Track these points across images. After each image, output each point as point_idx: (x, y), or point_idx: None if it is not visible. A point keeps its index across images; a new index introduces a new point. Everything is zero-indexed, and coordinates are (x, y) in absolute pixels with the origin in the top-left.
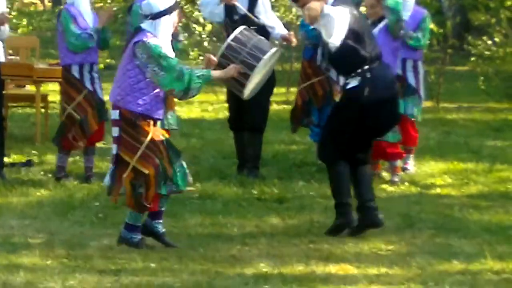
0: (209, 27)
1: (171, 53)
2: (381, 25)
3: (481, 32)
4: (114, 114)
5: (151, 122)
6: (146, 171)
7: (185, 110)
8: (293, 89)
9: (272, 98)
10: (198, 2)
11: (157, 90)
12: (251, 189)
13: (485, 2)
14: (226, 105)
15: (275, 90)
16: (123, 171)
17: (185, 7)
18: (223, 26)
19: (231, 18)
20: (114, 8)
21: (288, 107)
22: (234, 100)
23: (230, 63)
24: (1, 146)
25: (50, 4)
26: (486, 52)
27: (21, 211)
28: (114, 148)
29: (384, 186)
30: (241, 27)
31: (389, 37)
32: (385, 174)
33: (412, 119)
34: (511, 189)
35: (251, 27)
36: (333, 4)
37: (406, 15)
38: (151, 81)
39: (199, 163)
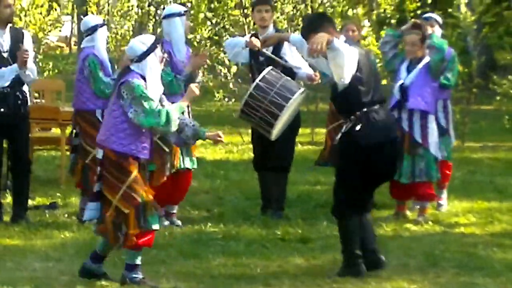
0: (234, 68)
1: (157, 92)
2: (420, 65)
3: (507, 71)
4: (99, 153)
5: (135, 162)
6: (126, 211)
7: (210, 152)
8: (318, 130)
9: (297, 139)
10: (223, 44)
11: (141, 130)
12: (275, 229)
13: (510, 41)
14: (251, 146)
15: (300, 130)
16: (106, 210)
17: (211, 48)
18: (249, 67)
19: (257, 59)
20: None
21: (313, 148)
22: (259, 140)
23: (258, 104)
24: (26, 189)
25: (75, 47)
26: (511, 91)
27: (45, 253)
28: (97, 186)
29: (408, 225)
30: (269, 68)
31: (429, 77)
32: (409, 213)
33: (445, 159)
34: None
35: (277, 68)
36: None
37: None
38: (132, 121)
39: (223, 204)
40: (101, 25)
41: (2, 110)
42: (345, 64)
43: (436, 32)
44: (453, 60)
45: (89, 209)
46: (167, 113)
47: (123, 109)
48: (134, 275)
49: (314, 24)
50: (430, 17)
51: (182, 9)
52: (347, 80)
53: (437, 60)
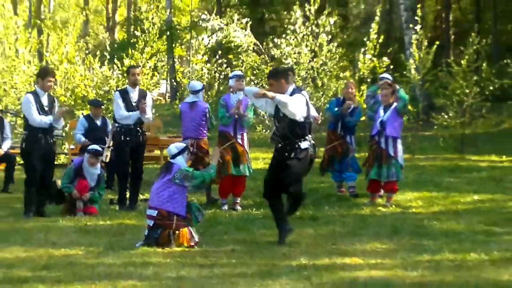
0: None
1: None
2: (392, 107)
3: (441, 110)
4: (153, 212)
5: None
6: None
7: (254, 164)
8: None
9: None
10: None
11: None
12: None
13: (443, 92)
14: None
15: None
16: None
17: None
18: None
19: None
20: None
21: (318, 160)
22: None
23: None
24: (138, 188)
25: (169, 100)
26: (444, 123)
27: None
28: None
29: (379, 208)
30: None
31: (397, 115)
32: (380, 201)
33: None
34: (460, 208)
35: None
36: (292, 92)
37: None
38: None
39: (261, 197)
40: (202, 88)
41: (128, 139)
42: (294, 109)
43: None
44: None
45: None
46: (204, 177)
47: (176, 185)
48: None
49: (274, 73)
50: (384, 77)
51: (239, 73)
52: (300, 117)
53: (401, 106)
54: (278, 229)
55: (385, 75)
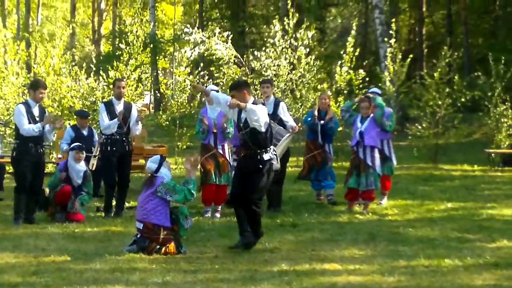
0: None
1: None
2: (369, 118)
3: (415, 121)
4: (139, 225)
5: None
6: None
7: None
8: (300, 158)
9: (288, 164)
10: None
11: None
12: (276, 219)
13: (416, 103)
14: None
15: (290, 159)
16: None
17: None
18: None
19: None
20: None
21: (298, 169)
22: None
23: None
24: (124, 196)
25: (153, 110)
26: (418, 133)
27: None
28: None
29: (357, 215)
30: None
31: (374, 124)
32: (357, 208)
33: (388, 174)
34: (434, 216)
35: (275, 121)
36: (253, 103)
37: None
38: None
39: None
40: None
41: (114, 148)
42: (259, 118)
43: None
44: (392, 115)
45: None
46: (188, 191)
47: (159, 198)
48: None
49: (237, 85)
50: (374, 91)
51: (215, 88)
52: (263, 128)
53: (379, 114)
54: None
55: (374, 89)
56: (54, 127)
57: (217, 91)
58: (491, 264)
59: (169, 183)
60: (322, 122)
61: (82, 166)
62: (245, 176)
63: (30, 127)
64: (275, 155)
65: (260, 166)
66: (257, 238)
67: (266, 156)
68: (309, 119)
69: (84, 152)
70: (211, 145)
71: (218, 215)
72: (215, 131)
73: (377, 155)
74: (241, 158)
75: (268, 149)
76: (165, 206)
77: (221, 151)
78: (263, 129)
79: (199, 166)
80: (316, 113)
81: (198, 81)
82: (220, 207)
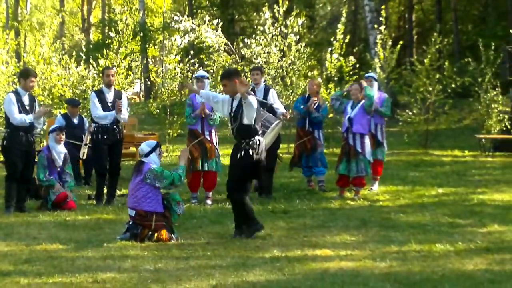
0: None
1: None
2: (359, 105)
3: (405, 107)
4: (131, 212)
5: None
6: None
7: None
8: (292, 145)
9: (279, 151)
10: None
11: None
12: (267, 206)
13: (407, 89)
14: None
15: (281, 145)
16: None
17: None
18: None
19: None
20: None
21: (289, 156)
22: None
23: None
24: (116, 184)
25: (143, 98)
26: (408, 119)
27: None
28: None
29: (348, 201)
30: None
31: (364, 112)
32: (348, 194)
33: (380, 160)
34: (425, 201)
35: (265, 108)
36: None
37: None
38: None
39: None
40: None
41: (105, 137)
42: (252, 111)
43: (373, 86)
44: (388, 101)
45: None
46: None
47: (149, 185)
48: None
49: (228, 74)
50: (369, 75)
51: (205, 74)
52: (251, 122)
53: (368, 104)
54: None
55: (370, 74)
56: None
57: (207, 77)
58: (482, 248)
59: (156, 170)
60: (304, 108)
61: (62, 148)
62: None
63: (22, 117)
64: (258, 145)
65: (238, 155)
66: (254, 228)
67: (247, 147)
68: (302, 106)
69: (64, 133)
70: (198, 131)
71: (209, 201)
72: (203, 116)
73: (367, 141)
74: (233, 148)
75: (252, 139)
76: (156, 192)
77: (208, 137)
78: (250, 122)
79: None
80: (311, 104)
81: (188, 68)
82: (210, 193)
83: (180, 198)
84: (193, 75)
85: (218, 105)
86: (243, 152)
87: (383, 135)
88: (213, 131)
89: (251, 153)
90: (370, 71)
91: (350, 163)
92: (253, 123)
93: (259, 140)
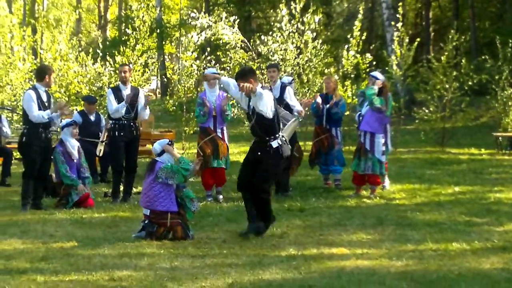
0: None
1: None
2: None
3: (422, 105)
4: (146, 211)
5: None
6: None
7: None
8: (308, 143)
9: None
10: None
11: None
12: (283, 203)
13: (424, 87)
14: None
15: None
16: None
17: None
18: None
19: None
20: None
21: (306, 154)
22: None
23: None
24: (132, 181)
25: (160, 95)
26: (425, 117)
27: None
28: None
29: (364, 199)
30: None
31: (373, 111)
32: (364, 193)
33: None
34: (441, 200)
35: (281, 105)
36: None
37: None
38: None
39: None
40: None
41: (122, 134)
42: (266, 103)
43: (376, 85)
44: (389, 100)
45: None
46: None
47: (161, 184)
48: None
49: (243, 73)
50: (371, 75)
51: (214, 71)
52: (271, 115)
53: (369, 103)
54: (248, 221)
55: (373, 73)
56: (63, 113)
57: (218, 74)
58: (499, 247)
59: (166, 166)
60: (327, 106)
61: (75, 141)
62: (254, 164)
63: (40, 113)
64: (285, 141)
65: (269, 153)
66: (268, 224)
67: (274, 143)
68: (314, 105)
69: (77, 127)
70: (210, 129)
71: (221, 196)
72: (214, 114)
73: (377, 140)
74: (252, 145)
75: (277, 135)
76: (169, 191)
77: (220, 135)
78: (270, 116)
79: (198, 150)
80: (319, 100)
81: (205, 65)
82: (220, 188)
83: (193, 195)
84: (205, 71)
85: (239, 93)
86: (274, 149)
87: (388, 134)
88: (224, 128)
89: (282, 150)
90: (386, 68)
91: (361, 160)
92: (271, 116)
93: (283, 136)
